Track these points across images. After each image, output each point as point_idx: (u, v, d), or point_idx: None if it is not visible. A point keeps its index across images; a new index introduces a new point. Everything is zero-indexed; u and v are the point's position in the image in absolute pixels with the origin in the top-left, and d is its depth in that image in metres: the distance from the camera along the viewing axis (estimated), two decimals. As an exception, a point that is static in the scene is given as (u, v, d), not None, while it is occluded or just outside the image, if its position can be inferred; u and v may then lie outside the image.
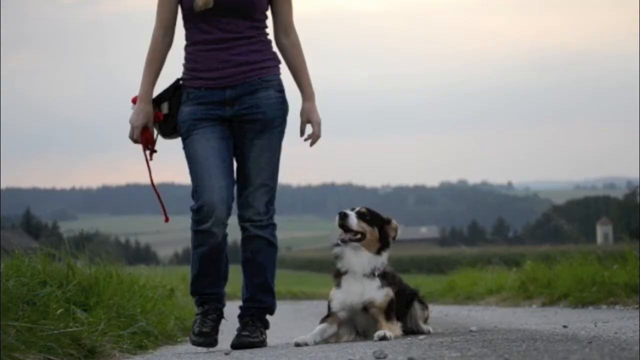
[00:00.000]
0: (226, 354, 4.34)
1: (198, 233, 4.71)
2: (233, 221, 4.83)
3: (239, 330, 4.82)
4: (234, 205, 4.78)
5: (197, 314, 4.89)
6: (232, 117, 4.70)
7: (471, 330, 4.98)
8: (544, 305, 8.98)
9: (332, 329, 4.68)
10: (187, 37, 4.76)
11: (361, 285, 4.67)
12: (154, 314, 6.17)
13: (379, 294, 4.66)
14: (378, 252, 4.72)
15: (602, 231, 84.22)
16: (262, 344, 4.76)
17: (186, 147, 4.73)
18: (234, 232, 4.94)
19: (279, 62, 4.80)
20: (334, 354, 3.84)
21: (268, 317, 4.94)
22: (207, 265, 4.77)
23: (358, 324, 4.73)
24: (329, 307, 4.74)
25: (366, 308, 4.66)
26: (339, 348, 4.15)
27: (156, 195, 4.85)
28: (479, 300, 11.74)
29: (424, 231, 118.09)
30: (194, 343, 4.76)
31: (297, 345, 4.51)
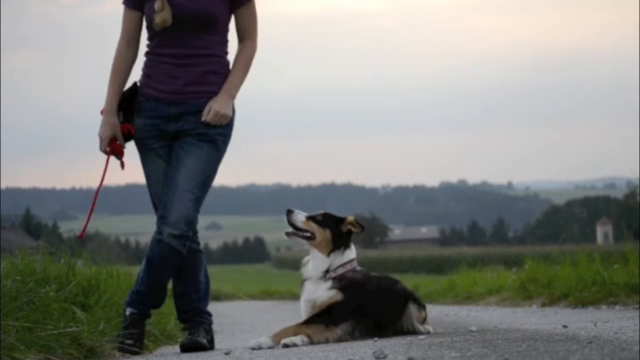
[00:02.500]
0: (226, 353, 4.34)
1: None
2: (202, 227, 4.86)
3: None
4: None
5: (183, 329, 4.99)
6: (174, 132, 4.75)
7: (471, 330, 4.98)
8: (544, 305, 8.98)
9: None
10: (148, 45, 4.83)
11: (314, 287, 4.77)
12: (153, 314, 6.16)
13: (323, 295, 4.72)
14: (329, 254, 4.79)
15: (602, 231, 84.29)
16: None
17: (142, 163, 4.85)
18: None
19: None
20: (333, 354, 3.84)
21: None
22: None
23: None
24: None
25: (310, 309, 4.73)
26: (338, 348, 4.15)
27: (91, 207, 4.85)
28: (479, 300, 11.74)
29: (424, 231, 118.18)
30: (183, 348, 4.82)
31: (286, 346, 4.49)
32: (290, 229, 4.85)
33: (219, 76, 4.76)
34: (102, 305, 5.43)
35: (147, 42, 4.82)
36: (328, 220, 4.84)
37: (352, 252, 4.84)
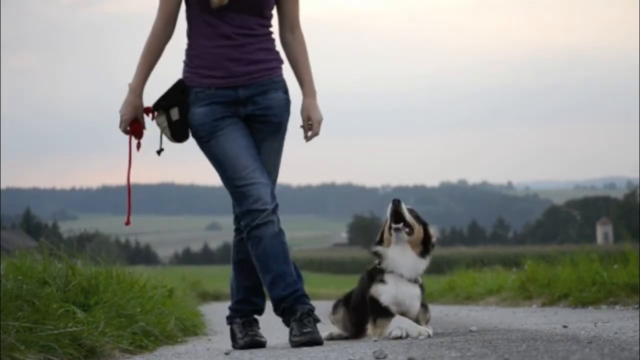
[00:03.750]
0: (226, 353, 4.34)
1: (257, 227, 4.51)
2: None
3: (242, 329, 4.73)
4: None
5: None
6: (246, 117, 4.61)
7: (471, 330, 4.98)
8: (544, 305, 8.98)
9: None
10: (192, 32, 4.61)
11: (407, 288, 4.60)
12: (154, 314, 6.16)
13: (416, 305, 4.63)
14: (422, 254, 4.66)
15: (602, 231, 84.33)
16: (265, 343, 4.75)
17: (212, 149, 4.57)
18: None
19: (283, 62, 4.73)
20: (334, 354, 3.84)
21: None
22: (267, 263, 4.56)
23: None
24: (379, 303, 4.57)
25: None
26: (339, 348, 4.15)
27: (128, 193, 4.76)
28: (479, 300, 11.74)
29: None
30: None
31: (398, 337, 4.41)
32: (400, 224, 4.58)
33: (272, 52, 4.65)
34: (102, 305, 5.42)
35: (189, 28, 4.61)
36: (420, 216, 4.72)
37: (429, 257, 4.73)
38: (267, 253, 4.53)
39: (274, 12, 4.71)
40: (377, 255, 4.69)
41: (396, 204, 4.64)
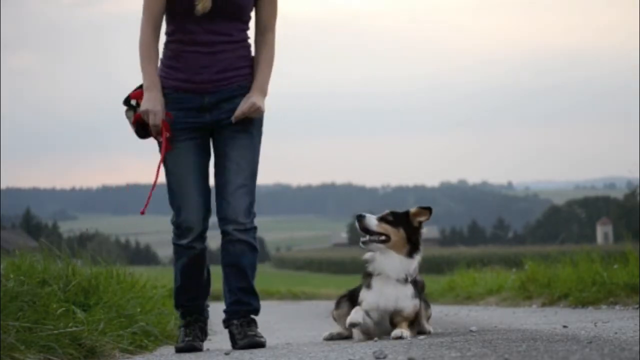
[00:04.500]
0: (226, 353, 4.34)
1: (178, 247, 4.75)
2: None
3: (241, 330, 4.74)
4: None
5: (180, 327, 4.91)
6: (211, 123, 4.67)
7: (471, 330, 4.98)
8: (544, 305, 8.97)
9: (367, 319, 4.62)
10: (170, 33, 4.67)
11: (394, 289, 4.61)
12: (154, 314, 6.17)
13: (409, 304, 4.61)
14: (409, 254, 4.65)
15: (602, 231, 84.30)
16: (265, 343, 4.75)
17: (166, 158, 4.67)
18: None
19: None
20: (334, 354, 3.84)
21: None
22: (187, 278, 4.79)
23: (377, 328, 4.68)
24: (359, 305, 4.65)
25: (392, 316, 4.61)
26: (339, 348, 4.15)
27: (154, 183, 4.75)
28: (479, 300, 11.74)
29: (424, 231, 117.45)
30: (178, 350, 4.75)
31: (353, 325, 4.52)
32: (367, 237, 4.64)
33: (246, 59, 4.70)
34: (102, 305, 5.42)
35: (167, 32, 4.67)
36: (399, 219, 4.69)
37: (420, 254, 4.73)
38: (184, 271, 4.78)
39: (252, 14, 4.76)
40: (366, 260, 4.73)
41: (358, 219, 4.69)
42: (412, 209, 4.75)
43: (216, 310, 5.28)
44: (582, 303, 8.06)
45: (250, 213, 4.71)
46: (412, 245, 4.66)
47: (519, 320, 6.58)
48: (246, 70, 4.70)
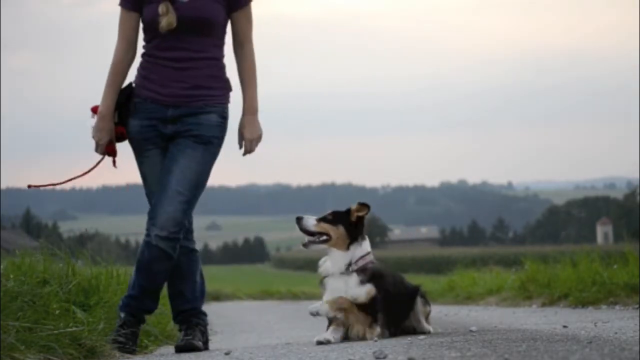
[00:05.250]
0: (226, 353, 4.34)
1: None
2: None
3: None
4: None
5: (180, 329, 4.93)
6: (172, 134, 4.73)
7: (471, 330, 4.98)
8: (544, 305, 8.97)
9: (341, 330, 4.66)
10: (146, 47, 4.78)
11: (341, 283, 4.69)
12: (153, 314, 6.16)
13: (360, 290, 4.66)
14: (348, 247, 4.73)
15: (602, 231, 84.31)
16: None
17: (139, 166, 4.82)
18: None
19: (230, 90, 4.81)
20: (333, 354, 3.84)
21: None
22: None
23: (349, 325, 4.70)
24: (327, 314, 4.73)
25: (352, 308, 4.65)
26: (338, 348, 4.15)
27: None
28: (479, 300, 11.73)
29: (424, 231, 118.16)
30: (178, 349, 4.78)
31: (320, 343, 4.51)
32: (306, 239, 4.77)
33: (218, 79, 4.75)
34: (102, 305, 5.42)
35: (144, 43, 4.78)
36: (338, 217, 4.78)
37: (367, 244, 4.79)
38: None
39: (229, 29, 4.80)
40: (319, 266, 4.83)
41: (297, 221, 4.81)
42: (353, 206, 4.83)
43: (215, 310, 5.28)
44: (582, 303, 8.06)
45: (178, 223, 4.66)
46: (352, 239, 4.75)
47: (519, 320, 6.58)
48: (217, 92, 4.74)
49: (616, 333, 4.30)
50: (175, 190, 4.64)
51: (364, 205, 4.81)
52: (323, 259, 4.81)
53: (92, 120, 4.78)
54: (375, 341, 4.45)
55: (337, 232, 4.75)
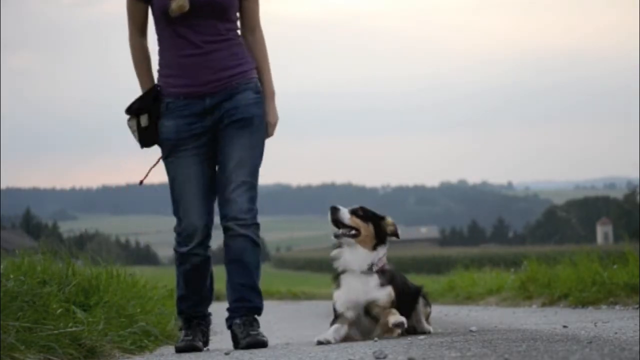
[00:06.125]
0: (226, 354, 4.33)
1: (180, 254, 4.77)
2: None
3: (243, 330, 4.70)
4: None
5: (180, 329, 4.92)
6: (212, 125, 4.69)
7: (471, 330, 4.97)
8: (544, 305, 8.98)
9: (344, 329, 4.65)
10: (161, 42, 4.71)
11: (360, 282, 4.64)
12: (154, 314, 6.17)
13: (381, 293, 4.63)
14: (374, 248, 4.70)
15: (602, 231, 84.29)
16: (267, 343, 4.73)
17: (168, 167, 4.74)
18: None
19: (254, 62, 4.78)
20: (333, 354, 3.84)
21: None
22: (190, 285, 4.81)
23: (362, 326, 4.68)
24: (335, 310, 4.69)
25: (368, 309, 4.62)
26: (338, 348, 4.15)
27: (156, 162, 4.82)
28: (479, 300, 11.74)
29: (424, 231, 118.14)
30: (178, 349, 4.75)
31: (320, 343, 4.48)
32: (340, 230, 4.68)
33: (242, 56, 4.71)
34: (102, 305, 5.42)
35: (158, 43, 4.72)
36: (369, 215, 4.74)
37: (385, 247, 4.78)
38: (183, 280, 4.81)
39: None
40: (333, 258, 4.76)
41: (332, 211, 4.72)
42: (390, 220, 4.80)
43: (216, 310, 5.28)
44: (582, 303, 8.06)
45: (250, 210, 4.70)
46: (379, 240, 4.72)
47: (519, 320, 6.58)
48: (244, 67, 4.71)
49: (616, 333, 4.30)
50: (237, 182, 4.65)
51: (397, 234, 4.81)
52: (337, 252, 4.73)
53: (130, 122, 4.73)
54: (375, 341, 4.44)
55: (367, 230, 4.71)
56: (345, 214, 4.70)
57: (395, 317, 4.53)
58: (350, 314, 4.63)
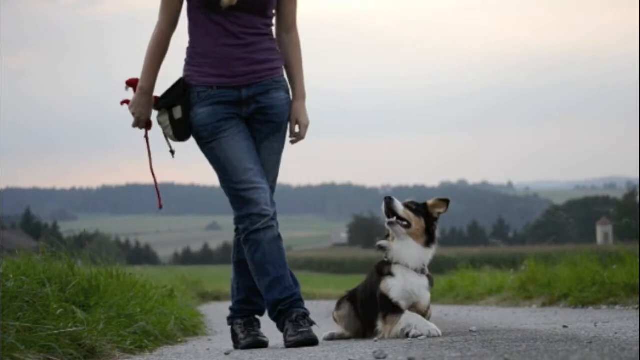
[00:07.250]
0: (226, 353, 4.34)
1: (256, 232, 4.52)
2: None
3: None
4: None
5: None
6: (248, 117, 4.64)
7: (471, 330, 4.98)
8: (544, 305, 8.98)
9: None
10: (195, 30, 4.62)
11: (415, 279, 4.63)
12: (154, 314, 6.17)
13: (427, 296, 4.66)
14: (426, 244, 4.69)
15: (602, 231, 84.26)
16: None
17: (214, 151, 4.58)
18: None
19: (284, 62, 4.75)
20: (334, 354, 3.84)
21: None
22: (267, 264, 4.54)
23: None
24: (388, 299, 4.58)
25: (411, 307, 4.62)
26: (339, 348, 4.15)
27: (154, 181, 4.78)
28: (479, 300, 11.75)
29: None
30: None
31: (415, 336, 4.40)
32: (394, 218, 4.64)
33: (274, 52, 4.67)
34: (102, 305, 5.42)
35: (191, 27, 4.62)
36: (419, 209, 4.75)
37: (434, 247, 4.75)
38: (265, 257, 4.53)
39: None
40: (382, 248, 4.73)
41: (387, 201, 4.73)
42: (430, 201, 4.82)
43: (216, 310, 5.27)
44: (582, 303, 8.07)
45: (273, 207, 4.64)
46: (430, 236, 4.71)
47: (519, 320, 6.58)
48: (277, 64, 4.68)
49: (616, 333, 4.30)
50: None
51: (443, 201, 4.80)
52: (387, 243, 4.70)
53: (127, 94, 4.66)
54: (375, 341, 4.44)
55: (419, 223, 4.71)
56: (399, 205, 4.72)
57: (434, 326, 4.52)
58: (404, 304, 4.59)
